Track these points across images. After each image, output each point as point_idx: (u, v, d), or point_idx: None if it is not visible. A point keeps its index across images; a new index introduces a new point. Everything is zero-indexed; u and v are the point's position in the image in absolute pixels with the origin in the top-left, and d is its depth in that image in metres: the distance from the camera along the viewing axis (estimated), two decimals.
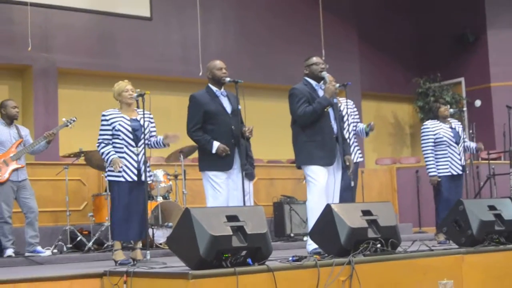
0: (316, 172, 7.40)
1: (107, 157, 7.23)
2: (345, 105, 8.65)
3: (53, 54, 13.10)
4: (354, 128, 8.93)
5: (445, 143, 9.34)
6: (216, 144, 7.36)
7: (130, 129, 7.28)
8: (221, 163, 7.42)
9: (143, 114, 7.26)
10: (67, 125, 9.01)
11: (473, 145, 9.85)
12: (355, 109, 9.05)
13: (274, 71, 15.41)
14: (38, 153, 9.38)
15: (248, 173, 9.96)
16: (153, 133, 7.53)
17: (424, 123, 9.68)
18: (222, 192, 7.39)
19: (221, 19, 15.18)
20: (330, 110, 7.52)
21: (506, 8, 17.35)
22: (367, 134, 8.95)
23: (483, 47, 17.44)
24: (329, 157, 7.44)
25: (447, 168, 9.32)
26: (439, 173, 9.33)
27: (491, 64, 17.34)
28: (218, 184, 7.39)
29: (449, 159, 9.33)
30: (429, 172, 9.39)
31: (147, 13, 14.26)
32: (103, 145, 7.28)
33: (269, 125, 14.80)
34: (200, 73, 12.46)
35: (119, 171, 7.16)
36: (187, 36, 14.50)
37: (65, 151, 10.52)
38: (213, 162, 7.43)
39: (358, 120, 9.18)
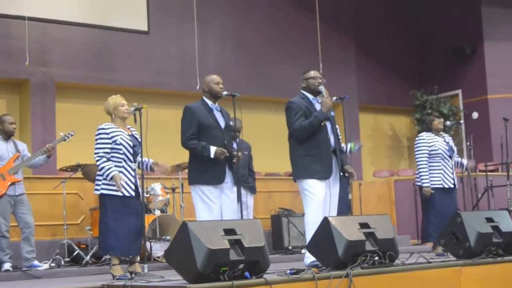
0: (313, 186, 7.40)
1: (107, 172, 7.15)
2: None
3: (50, 68, 13.13)
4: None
5: (440, 156, 9.33)
6: (213, 148, 7.32)
7: (131, 143, 7.27)
8: (212, 176, 7.38)
9: (140, 129, 7.21)
10: (64, 139, 9.00)
11: (464, 162, 9.83)
12: None
13: (272, 84, 15.44)
14: (37, 167, 9.37)
15: (250, 187, 10.01)
16: (147, 162, 7.53)
17: (419, 135, 9.67)
18: (214, 206, 7.36)
19: (219, 32, 15.23)
20: (328, 124, 7.53)
21: (502, 21, 17.42)
22: (350, 152, 8.92)
23: (480, 59, 17.49)
24: (326, 171, 7.44)
25: (439, 181, 9.30)
26: (432, 185, 9.31)
27: (488, 76, 17.37)
28: (210, 199, 7.35)
29: (442, 171, 9.32)
30: (423, 183, 9.36)
31: (144, 27, 14.30)
32: (104, 159, 7.20)
33: (266, 138, 14.81)
34: (198, 87, 12.45)
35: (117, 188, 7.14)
36: (185, 49, 14.53)
37: (63, 165, 10.51)
38: (204, 175, 7.40)
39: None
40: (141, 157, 7.30)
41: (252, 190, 10.16)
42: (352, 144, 8.89)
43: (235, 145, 7.74)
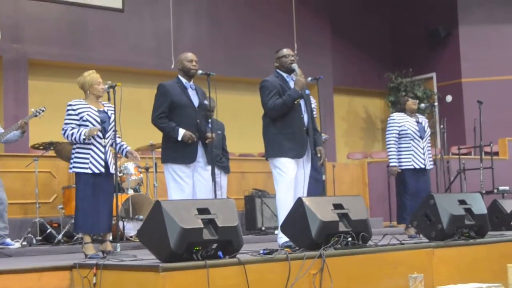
0: (285, 164, 7.37)
1: (78, 135, 7.05)
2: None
3: (23, 45, 13.00)
4: None
5: (409, 136, 9.30)
6: (182, 131, 7.29)
7: (98, 120, 7.19)
8: (184, 156, 7.36)
9: (114, 106, 7.16)
10: (36, 115, 8.86)
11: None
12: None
13: (247, 64, 15.39)
14: (11, 142, 9.21)
15: (224, 166, 10.01)
16: (122, 145, 7.45)
17: (391, 115, 9.67)
18: (186, 185, 7.35)
19: (194, 11, 15.13)
20: (302, 102, 7.50)
21: (477, 4, 17.47)
22: None
23: (454, 43, 17.54)
24: (299, 149, 7.43)
25: (410, 162, 9.29)
26: (402, 166, 9.30)
27: (462, 59, 17.44)
28: (181, 178, 7.34)
29: (412, 152, 9.29)
30: (390, 162, 9.37)
31: (119, 5, 14.17)
32: (69, 128, 7.12)
33: (241, 119, 14.78)
34: (172, 66, 12.33)
35: (86, 163, 7.08)
36: (159, 28, 14.45)
37: (35, 143, 10.42)
38: (176, 154, 7.38)
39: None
40: (115, 136, 7.23)
41: (226, 169, 10.15)
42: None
43: (210, 125, 7.71)
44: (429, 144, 9.52)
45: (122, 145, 7.45)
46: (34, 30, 13.13)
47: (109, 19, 14.01)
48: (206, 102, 7.56)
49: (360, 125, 18.72)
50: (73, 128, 7.15)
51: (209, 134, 7.49)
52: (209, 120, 7.77)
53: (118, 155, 7.50)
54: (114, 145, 7.32)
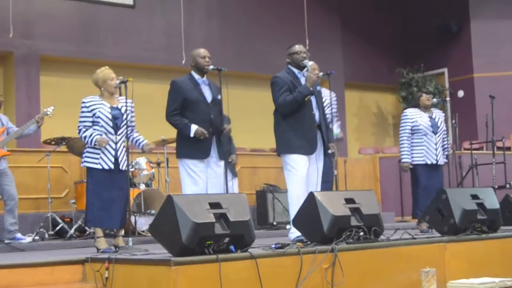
0: (296, 161, 7.37)
1: (90, 139, 7.11)
2: (330, 97, 8.62)
3: (35, 41, 13.03)
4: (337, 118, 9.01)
5: (422, 131, 9.28)
6: (194, 127, 7.30)
7: (110, 116, 7.20)
8: (198, 151, 7.38)
9: (125, 102, 7.20)
10: (47, 114, 8.90)
11: (445, 147, 9.69)
12: (336, 102, 9.07)
13: (258, 60, 15.38)
14: (26, 136, 9.25)
15: (231, 170, 9.87)
16: (132, 123, 7.42)
17: (404, 111, 9.64)
18: (200, 180, 7.36)
19: (204, 7, 15.14)
20: (313, 98, 7.48)
21: None
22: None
23: (466, 38, 17.49)
24: (309, 146, 7.41)
25: (422, 157, 9.26)
26: (414, 161, 9.28)
27: (474, 54, 17.39)
28: (195, 172, 7.36)
29: (424, 147, 9.27)
30: (402, 158, 9.36)
31: (130, 1, 14.20)
32: (84, 129, 7.18)
33: (252, 114, 14.79)
34: (183, 61, 12.44)
35: (97, 158, 7.11)
36: (170, 24, 14.46)
37: (47, 138, 10.45)
38: (190, 149, 7.39)
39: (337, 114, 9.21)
40: (132, 131, 7.26)
41: (233, 172, 10.00)
42: (337, 132, 9.00)
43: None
44: (446, 138, 9.51)
45: (138, 139, 7.47)
46: (45, 26, 13.16)
47: (120, 15, 14.03)
48: (220, 97, 7.55)
49: (372, 121, 18.69)
50: (87, 129, 7.18)
51: (226, 126, 7.52)
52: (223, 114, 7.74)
53: (131, 149, 7.49)
54: (129, 140, 7.33)
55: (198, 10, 14.99)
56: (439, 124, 9.41)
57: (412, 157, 9.29)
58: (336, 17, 17.11)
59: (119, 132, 7.24)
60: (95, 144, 7.11)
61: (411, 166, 9.26)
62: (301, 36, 14.56)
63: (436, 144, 9.31)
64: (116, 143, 7.21)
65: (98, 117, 7.18)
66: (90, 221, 7.30)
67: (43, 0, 13.19)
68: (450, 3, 17.77)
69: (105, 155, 7.15)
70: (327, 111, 7.91)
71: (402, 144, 9.37)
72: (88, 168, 7.23)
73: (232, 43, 15.26)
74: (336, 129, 8.94)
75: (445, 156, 9.49)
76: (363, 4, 18.15)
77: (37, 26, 13.07)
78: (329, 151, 7.55)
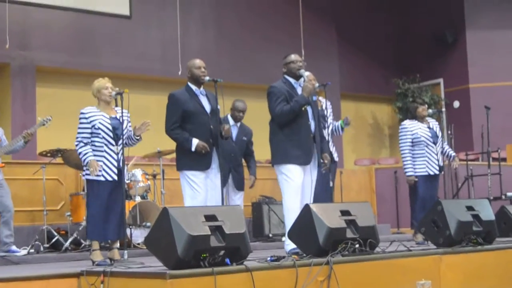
0: (291, 171, 7.35)
1: (84, 157, 7.11)
2: (326, 105, 8.66)
3: (31, 52, 13.03)
4: (333, 127, 9.05)
5: (423, 143, 9.33)
6: (195, 142, 7.29)
7: (110, 127, 7.20)
8: (199, 162, 7.36)
9: (121, 112, 7.19)
10: (43, 124, 8.91)
11: (452, 154, 9.77)
12: (331, 111, 9.13)
13: (254, 71, 15.40)
14: (15, 152, 9.29)
15: (236, 180, 9.70)
16: (130, 133, 7.44)
17: (402, 123, 9.67)
18: (201, 192, 7.34)
19: (201, 18, 15.16)
20: (309, 109, 7.48)
21: (485, 9, 17.46)
22: (342, 129, 9.04)
23: (462, 48, 17.53)
24: (305, 156, 7.40)
25: (424, 168, 9.31)
26: (416, 172, 9.33)
27: (470, 65, 17.44)
28: (196, 184, 7.34)
29: (426, 159, 9.32)
30: (406, 172, 9.38)
31: (126, 12, 14.21)
32: (81, 144, 7.16)
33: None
34: (179, 72, 12.41)
35: (97, 174, 7.10)
36: (167, 35, 14.47)
37: (43, 150, 10.44)
38: (191, 161, 7.37)
39: (333, 122, 9.25)
40: (123, 139, 7.24)
41: (239, 184, 9.71)
42: (342, 122, 9.02)
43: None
44: (444, 142, 9.57)
45: (129, 135, 7.43)
46: (41, 37, 13.17)
47: (117, 26, 14.04)
48: (219, 107, 7.55)
49: (368, 131, 18.69)
50: (84, 144, 7.16)
51: (224, 125, 7.48)
52: (226, 120, 7.67)
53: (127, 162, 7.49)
54: (126, 145, 7.35)
55: (194, 21, 15.00)
56: (437, 133, 9.46)
57: (414, 168, 9.32)
58: (332, 28, 17.13)
59: (119, 142, 7.24)
60: (85, 164, 7.10)
61: (416, 179, 9.28)
62: (297, 47, 14.55)
63: (437, 154, 9.36)
64: (117, 154, 7.20)
65: (98, 128, 7.17)
66: (93, 234, 7.24)
67: (39, 11, 13.19)
68: (446, 13, 17.81)
69: (108, 167, 7.15)
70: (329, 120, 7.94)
71: (404, 157, 9.38)
72: (89, 181, 7.22)
73: (228, 54, 15.28)
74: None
75: (452, 157, 9.58)
76: (359, 15, 18.19)
77: (34, 37, 13.08)
78: (324, 161, 7.55)
